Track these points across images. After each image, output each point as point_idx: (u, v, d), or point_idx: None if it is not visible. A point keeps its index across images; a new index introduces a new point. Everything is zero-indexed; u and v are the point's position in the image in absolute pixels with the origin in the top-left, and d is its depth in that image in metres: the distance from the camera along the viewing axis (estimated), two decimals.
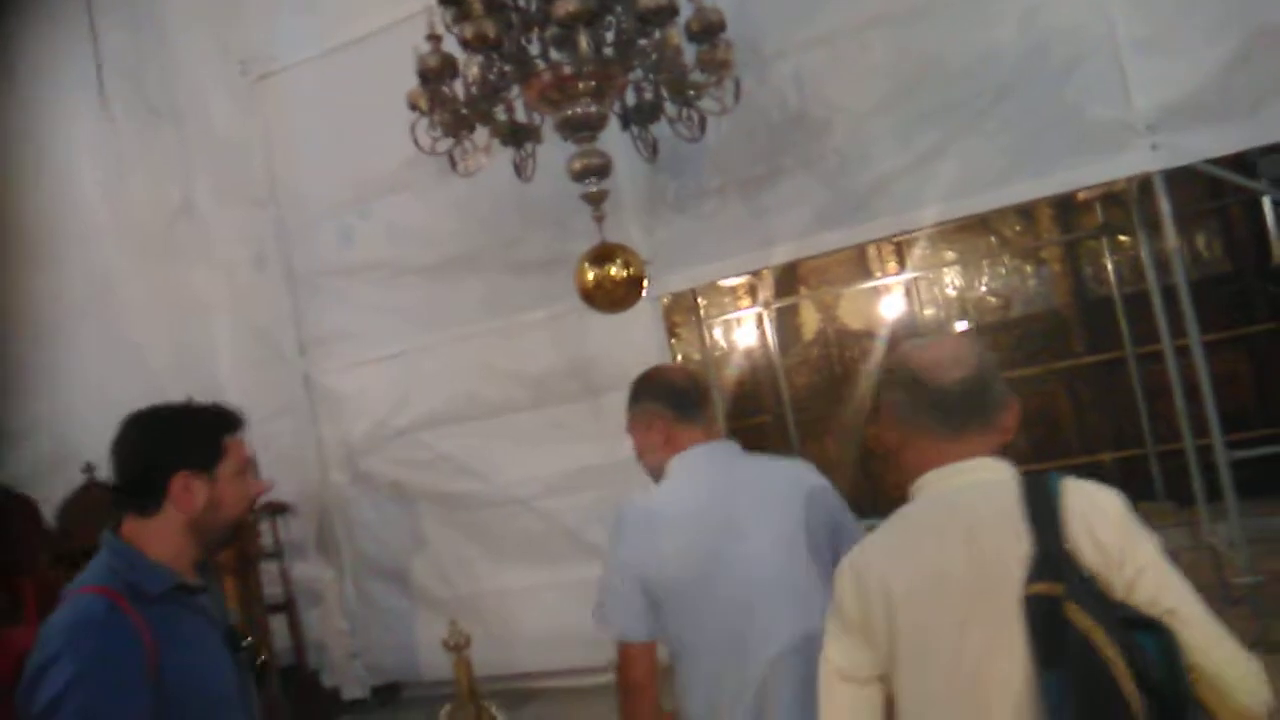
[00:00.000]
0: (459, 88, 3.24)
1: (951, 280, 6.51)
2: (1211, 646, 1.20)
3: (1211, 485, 4.05)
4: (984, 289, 6.41)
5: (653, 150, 3.81)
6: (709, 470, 2.01)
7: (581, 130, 3.30)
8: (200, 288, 5.65)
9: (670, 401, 2.02)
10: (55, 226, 4.83)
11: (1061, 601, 1.17)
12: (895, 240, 6.38)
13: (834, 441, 6.77)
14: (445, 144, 3.46)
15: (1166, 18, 3.50)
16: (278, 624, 5.47)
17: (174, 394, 4.85)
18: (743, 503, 1.97)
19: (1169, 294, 4.00)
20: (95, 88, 5.36)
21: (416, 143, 3.31)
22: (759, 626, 1.86)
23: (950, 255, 6.48)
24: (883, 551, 1.35)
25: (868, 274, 6.69)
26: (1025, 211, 6.19)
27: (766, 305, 6.85)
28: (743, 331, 7.09)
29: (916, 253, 6.52)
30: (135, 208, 5.31)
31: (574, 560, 4.68)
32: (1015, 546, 1.24)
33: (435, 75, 3.15)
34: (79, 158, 4.88)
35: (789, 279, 7.01)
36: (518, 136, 3.64)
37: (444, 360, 4.97)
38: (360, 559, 5.35)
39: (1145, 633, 1.17)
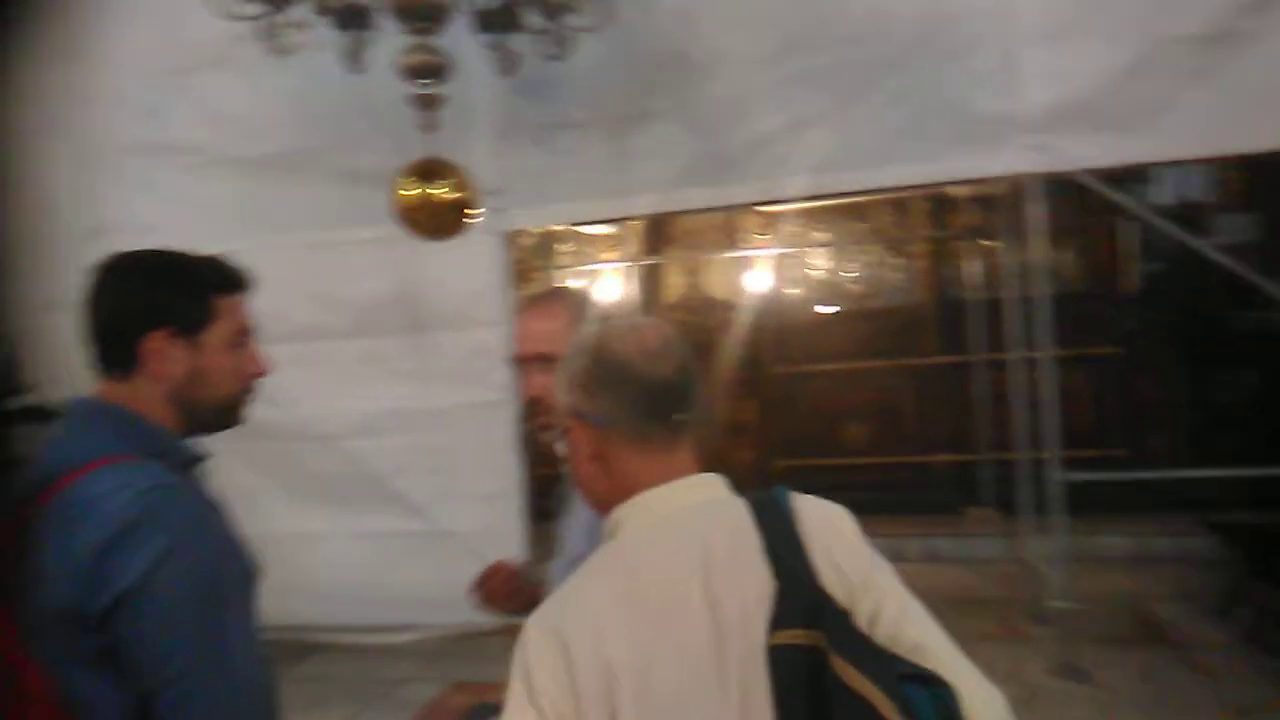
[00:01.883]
0: None
1: (819, 262, 6.35)
2: (970, 690, 0.96)
3: (1039, 500, 4.01)
4: (849, 275, 6.27)
5: (510, 65, 3.35)
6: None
7: (418, 20, 2.82)
8: None
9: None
10: None
11: (823, 654, 0.91)
12: (768, 212, 6.14)
13: None
14: (258, 11, 2.90)
15: (1070, 13, 3.31)
16: None
17: None
18: None
19: (1026, 304, 3.89)
20: None
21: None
22: None
23: (821, 236, 6.30)
24: (596, 607, 0.99)
25: (737, 243, 6.43)
26: (900, 203, 6.08)
27: (631, 261, 6.50)
28: (603, 285, 6.72)
29: (788, 228, 6.31)
30: None
31: (376, 509, 4.25)
32: (757, 586, 0.97)
33: None
34: None
35: (657, 235, 6.69)
36: (348, 19, 3.11)
37: (252, 270, 4.36)
38: None
39: (913, 685, 0.93)
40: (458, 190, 2.87)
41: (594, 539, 1.11)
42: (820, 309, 6.31)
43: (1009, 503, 4.75)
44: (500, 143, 4.01)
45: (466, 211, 2.94)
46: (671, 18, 3.74)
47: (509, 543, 4.01)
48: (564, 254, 6.86)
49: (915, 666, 0.96)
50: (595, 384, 1.06)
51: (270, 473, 4.44)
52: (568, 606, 1.01)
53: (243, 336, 1.31)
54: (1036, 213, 3.47)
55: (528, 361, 1.53)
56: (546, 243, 6.81)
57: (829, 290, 6.32)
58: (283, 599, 4.42)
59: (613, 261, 6.66)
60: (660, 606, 0.97)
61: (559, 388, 1.11)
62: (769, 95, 3.66)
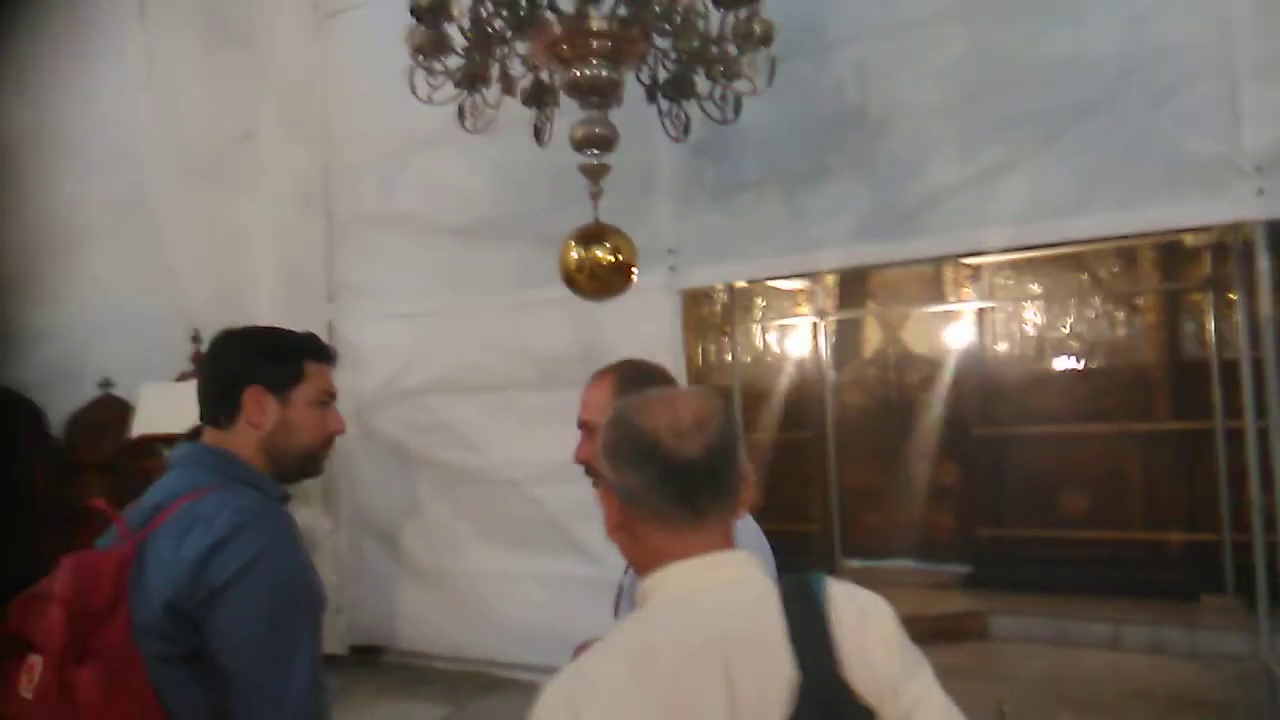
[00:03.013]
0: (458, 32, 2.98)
1: (1032, 316, 5.90)
2: None
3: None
4: (1067, 331, 5.77)
5: (684, 130, 3.47)
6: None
7: (591, 95, 2.99)
8: (246, 220, 5.61)
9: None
10: (91, 135, 4.82)
11: None
12: (974, 265, 5.83)
13: (879, 470, 6.29)
14: (452, 95, 3.22)
15: None
16: None
17: (205, 323, 4.78)
18: None
19: (1257, 364, 3.42)
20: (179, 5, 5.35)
21: (414, 91, 3.06)
22: None
23: (1034, 289, 5.87)
24: (610, 681, 0.98)
25: (941, 296, 6.14)
26: (1125, 252, 5.55)
27: (822, 315, 6.39)
28: (797, 339, 6.65)
29: (996, 281, 5.94)
30: (187, 129, 5.27)
31: (557, 554, 4.44)
32: (778, 675, 0.93)
33: (429, 14, 2.89)
34: (125, 69, 4.85)
35: (857, 290, 6.53)
36: (537, 97, 3.39)
37: (459, 326, 4.78)
38: (357, 515, 5.25)
39: None
40: (616, 253, 2.99)
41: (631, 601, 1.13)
42: (1033, 367, 5.86)
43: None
44: (679, 204, 4.15)
45: (629, 272, 3.05)
46: (849, 73, 3.72)
47: None
48: (759, 309, 6.88)
49: None
50: (620, 458, 1.05)
51: (469, 513, 4.78)
52: (583, 676, 1.00)
53: (326, 398, 1.54)
54: (1263, 263, 3.06)
55: (581, 427, 1.66)
56: (742, 299, 6.86)
57: (1042, 347, 5.85)
58: (475, 633, 4.74)
59: (805, 316, 6.58)
60: (675, 687, 0.95)
61: (597, 455, 1.13)
62: (951, 146, 3.52)
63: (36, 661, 1.17)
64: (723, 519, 1.05)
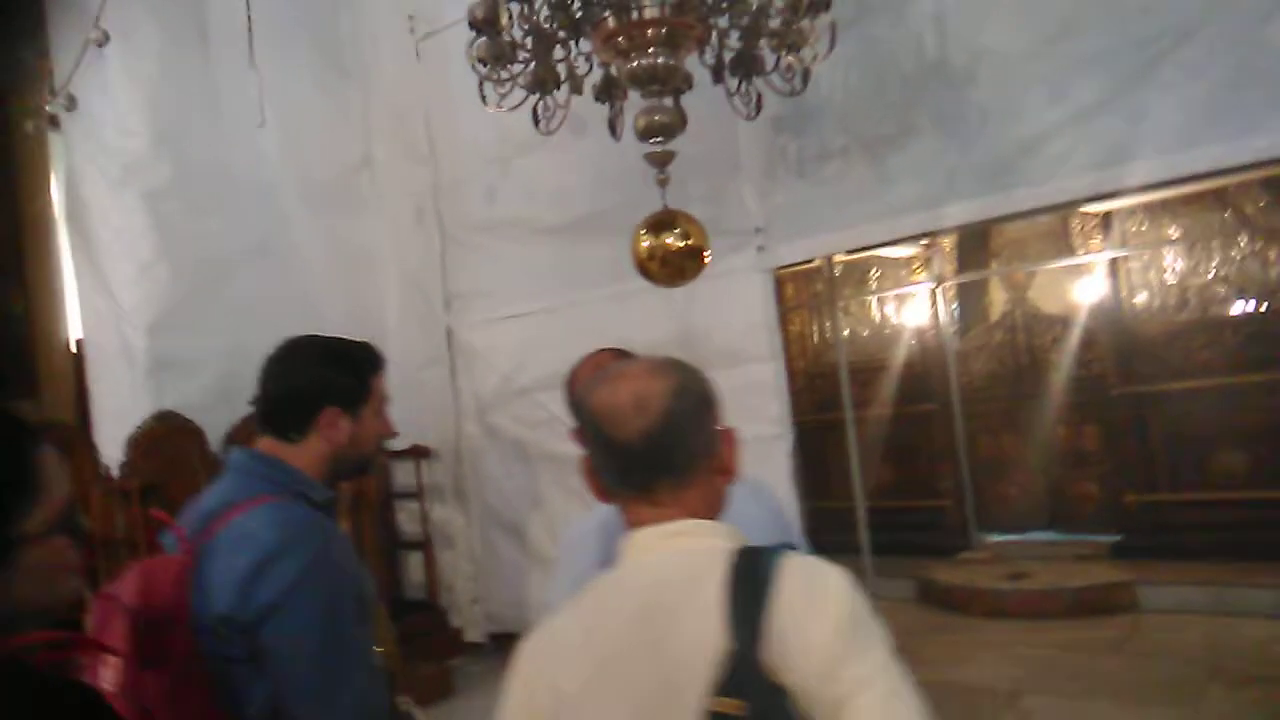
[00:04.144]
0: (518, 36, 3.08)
1: (1171, 263, 5.45)
2: None
3: None
4: (1212, 275, 5.30)
5: (756, 107, 3.44)
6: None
7: (651, 84, 3.03)
8: (370, 240, 5.98)
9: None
10: (234, 175, 5.25)
11: None
12: (1102, 212, 5.46)
13: (1012, 439, 6.00)
14: (522, 99, 3.33)
15: None
16: (415, 560, 5.82)
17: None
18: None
19: None
20: (294, 48, 5.76)
21: (484, 100, 3.19)
22: None
23: (1171, 232, 5.41)
24: (563, 640, 1.05)
25: (1069, 250, 5.78)
26: (1274, 184, 5.04)
27: (939, 281, 6.14)
28: (916, 308, 6.42)
29: (1128, 228, 5.53)
30: (310, 161, 5.66)
31: None
32: (709, 644, 0.93)
33: (485, 25, 3.00)
34: (244, 113, 5.27)
35: (978, 251, 6.25)
36: (607, 91, 3.45)
37: (564, 322, 4.92)
38: (486, 509, 5.50)
39: None
40: (687, 238, 3.00)
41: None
42: (1176, 318, 5.41)
43: None
44: (764, 181, 4.11)
45: (701, 256, 3.06)
46: (927, 25, 3.58)
47: None
48: (873, 280, 6.69)
49: None
50: (580, 434, 1.11)
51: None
52: (546, 629, 1.08)
53: (385, 405, 1.62)
54: None
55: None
56: (857, 271, 6.70)
57: (1185, 295, 5.40)
58: None
59: (925, 282, 6.35)
60: (609, 648, 1.00)
61: None
62: (1040, 90, 3.33)
63: (115, 661, 1.25)
64: (677, 493, 1.06)
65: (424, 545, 5.68)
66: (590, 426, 1.08)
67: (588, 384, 1.13)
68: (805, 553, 1.69)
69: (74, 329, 5.47)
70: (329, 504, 1.56)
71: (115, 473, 4.65)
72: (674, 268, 3.02)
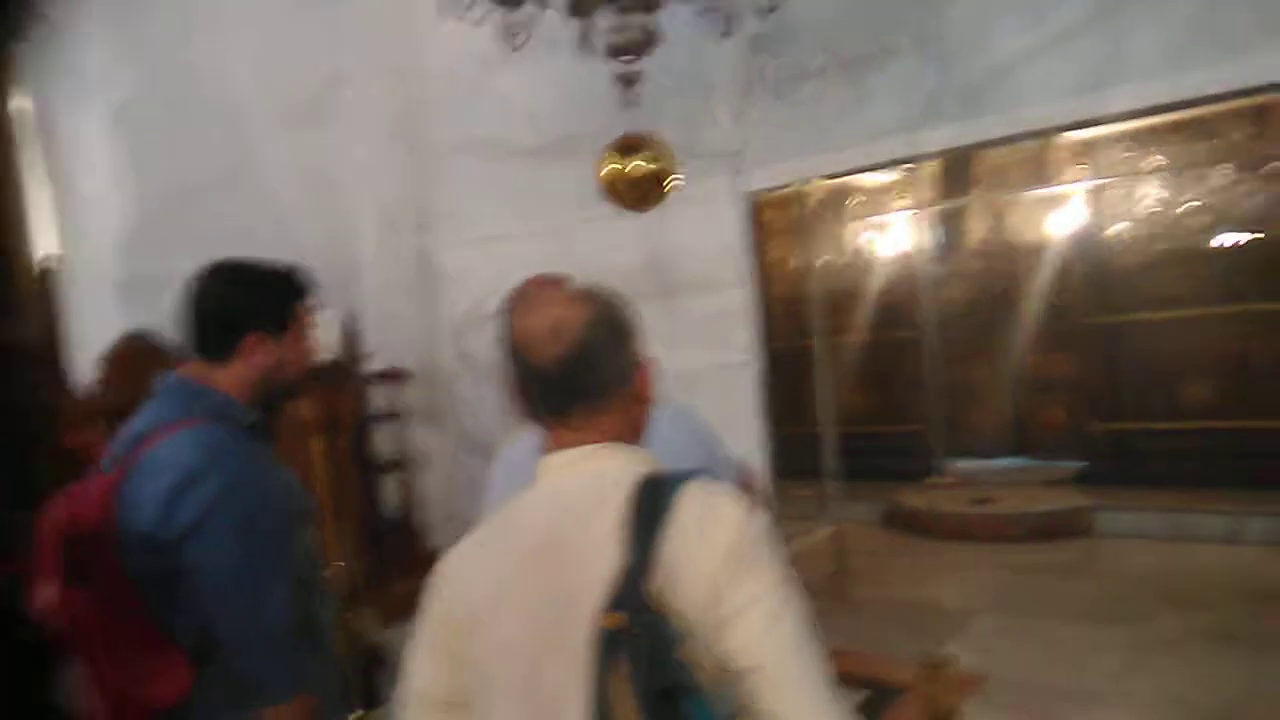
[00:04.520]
0: None
1: (1152, 191, 5.42)
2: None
3: None
4: (1191, 205, 5.28)
5: (726, 25, 3.35)
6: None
7: (619, 0, 2.94)
8: (342, 161, 5.85)
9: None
10: (204, 92, 5.10)
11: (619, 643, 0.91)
12: (1083, 140, 5.40)
13: (984, 367, 6.05)
14: (485, 13, 3.23)
15: None
16: (392, 482, 5.89)
17: (317, 262, 5.09)
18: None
19: None
20: None
21: (442, 13, 3.09)
22: None
23: (1156, 161, 5.37)
24: (472, 552, 1.09)
25: (1051, 178, 5.73)
26: (1259, 112, 4.99)
27: (919, 207, 6.10)
28: (896, 235, 6.39)
29: (1110, 156, 5.48)
30: (281, 79, 5.50)
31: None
32: (605, 563, 0.96)
33: None
34: (226, 30, 5.10)
35: (960, 178, 6.19)
36: (574, 8, 3.34)
37: (537, 246, 4.87)
38: (461, 432, 5.54)
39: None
40: (654, 162, 2.96)
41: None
42: (1151, 248, 5.42)
43: None
44: (740, 103, 4.03)
45: (666, 181, 3.02)
46: None
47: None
48: (854, 206, 6.64)
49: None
50: (503, 356, 1.11)
51: None
52: (459, 550, 1.12)
53: (309, 331, 1.64)
54: None
55: None
56: (837, 196, 6.64)
57: (1163, 225, 5.39)
58: None
59: (905, 209, 6.30)
60: (509, 568, 1.03)
61: None
62: (1019, 9, 3.26)
63: (42, 583, 1.31)
64: (592, 418, 1.07)
65: (400, 466, 5.73)
66: (512, 352, 1.09)
67: (513, 309, 1.13)
68: (731, 478, 1.72)
69: (43, 249, 5.39)
70: (256, 426, 1.58)
71: (87, 393, 4.64)
72: (640, 192, 2.99)
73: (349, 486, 5.17)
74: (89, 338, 4.99)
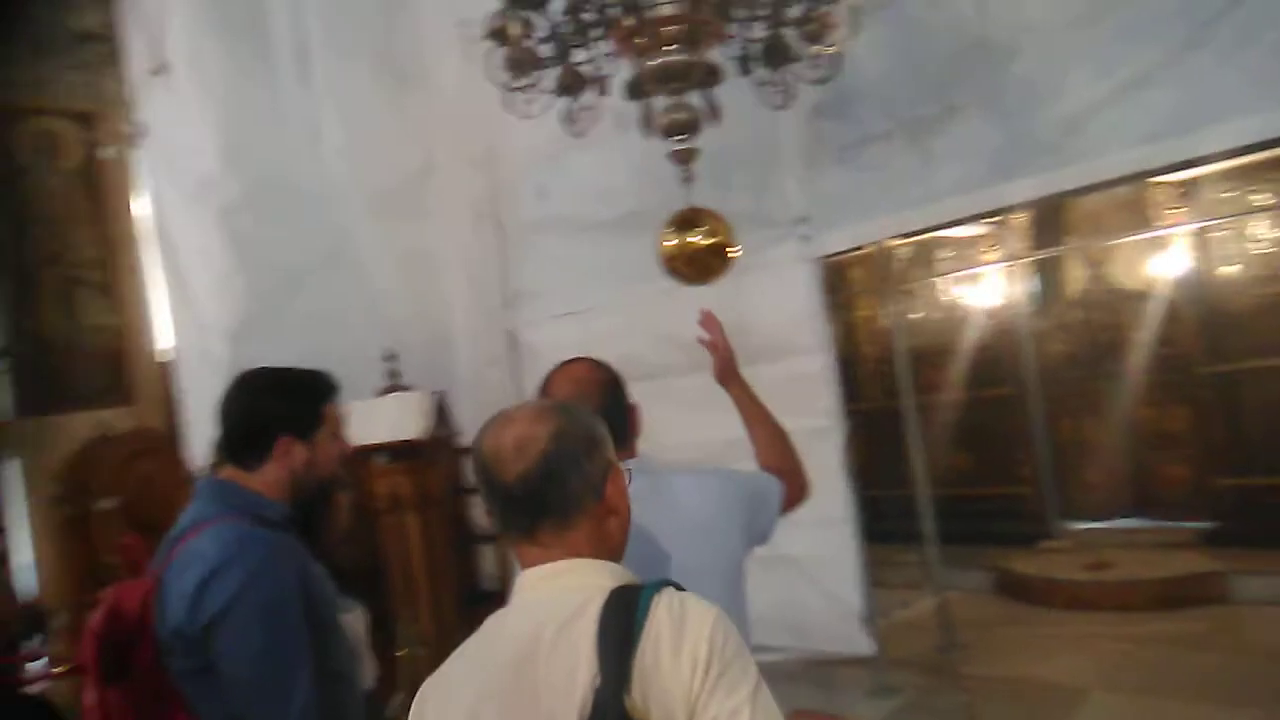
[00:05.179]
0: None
1: (1261, 231, 5.08)
2: None
3: None
4: None
5: (789, 97, 3.37)
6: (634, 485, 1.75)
7: (670, 82, 3.01)
8: (432, 244, 6.13)
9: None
10: (301, 187, 5.45)
11: None
12: (1183, 181, 5.14)
13: (1094, 422, 5.73)
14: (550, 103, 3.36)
15: None
16: (489, 553, 5.98)
17: (411, 341, 5.30)
18: (669, 527, 1.71)
19: None
20: (354, 61, 5.93)
21: (508, 109, 3.22)
22: None
23: (1261, 199, 5.04)
24: (452, 679, 1.09)
25: (1148, 222, 5.46)
26: None
27: (1011, 259, 5.90)
28: (988, 288, 6.19)
29: (1215, 195, 5.18)
30: (376, 170, 5.83)
31: None
32: (580, 683, 0.96)
33: (495, 37, 3.04)
34: (304, 127, 5.46)
35: (1052, 227, 5.97)
36: (633, 91, 3.44)
37: (614, 319, 4.94)
38: None
39: None
40: (713, 235, 2.98)
41: None
42: (1268, 290, 5.05)
43: None
44: (806, 170, 4.03)
45: (727, 252, 3.03)
46: (963, 3, 3.44)
47: (844, 568, 3.97)
48: (943, 260, 6.48)
49: None
50: (475, 474, 1.14)
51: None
52: (442, 670, 1.12)
53: (340, 430, 1.72)
54: None
55: None
56: (925, 252, 6.50)
57: (1275, 265, 5.03)
58: None
59: (997, 261, 6.11)
60: (488, 687, 1.03)
61: None
62: (1086, 62, 3.16)
63: (86, 683, 1.39)
64: (560, 534, 1.08)
65: (495, 538, 5.81)
66: (479, 469, 1.11)
67: (483, 427, 1.15)
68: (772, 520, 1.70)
69: (162, 340, 5.81)
70: (285, 522, 1.64)
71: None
72: (700, 266, 3.00)
73: (444, 560, 5.28)
74: (204, 424, 5.33)
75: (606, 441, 1.13)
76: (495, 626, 1.10)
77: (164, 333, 5.77)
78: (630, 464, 1.68)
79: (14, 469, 5.87)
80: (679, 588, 1.05)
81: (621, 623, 0.98)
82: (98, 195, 5.80)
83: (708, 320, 2.29)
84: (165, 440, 5.30)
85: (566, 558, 1.08)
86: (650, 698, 0.94)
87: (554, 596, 1.06)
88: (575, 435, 1.10)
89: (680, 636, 0.97)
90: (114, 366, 5.78)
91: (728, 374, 2.14)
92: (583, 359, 1.92)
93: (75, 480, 5.40)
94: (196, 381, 5.36)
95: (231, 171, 5.18)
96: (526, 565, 1.11)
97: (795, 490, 1.98)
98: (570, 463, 1.08)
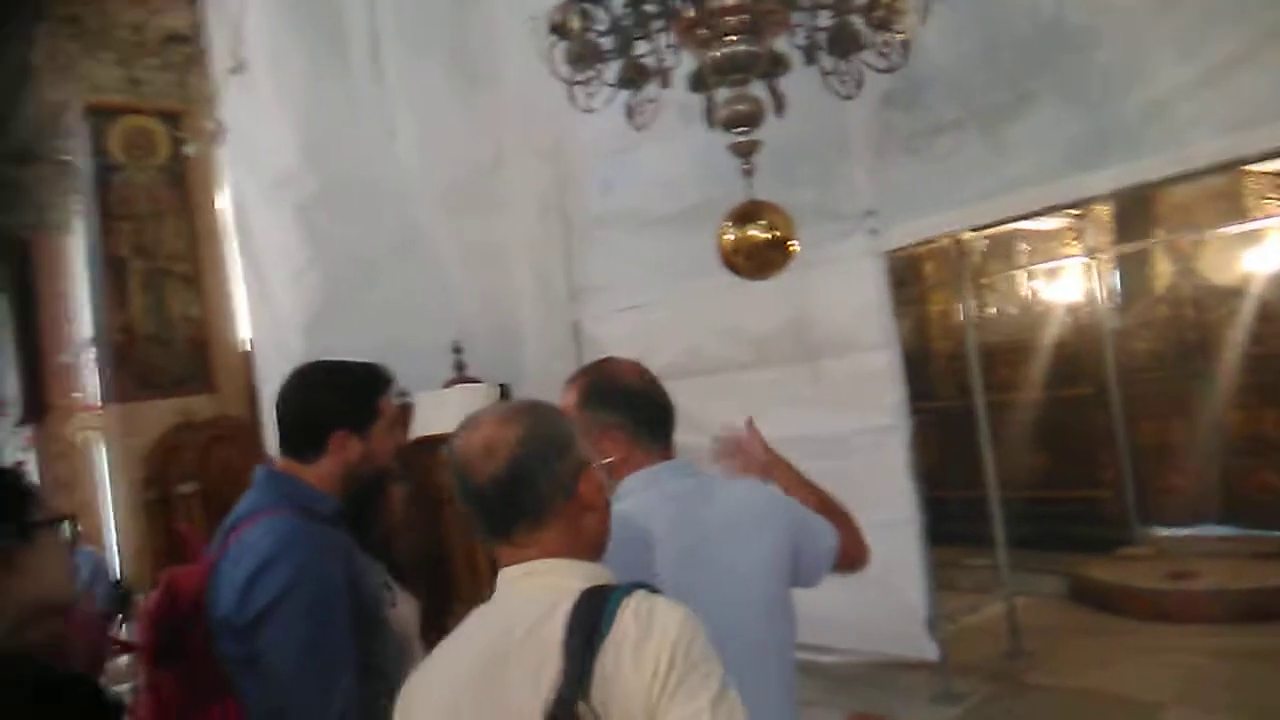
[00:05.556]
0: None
1: None
2: None
3: None
4: None
5: (856, 85, 3.30)
6: (675, 486, 1.72)
7: (733, 73, 2.97)
8: (501, 237, 6.20)
9: (628, 414, 1.64)
10: (375, 183, 5.58)
11: None
12: (1278, 170, 4.87)
13: (1180, 424, 5.47)
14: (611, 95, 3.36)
15: None
16: None
17: (479, 333, 5.36)
18: (715, 524, 1.69)
19: None
20: (427, 58, 6.04)
21: (572, 102, 3.24)
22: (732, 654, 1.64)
23: None
24: (432, 672, 1.12)
25: (1243, 213, 5.18)
26: None
27: (1094, 253, 5.66)
28: (1070, 283, 5.96)
29: None
30: (447, 164, 5.93)
31: None
32: (544, 683, 0.98)
33: (556, 31, 3.05)
34: (395, 124, 5.58)
35: (1139, 219, 5.72)
36: (694, 84, 3.41)
37: (679, 312, 4.93)
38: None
39: None
40: (772, 229, 2.93)
41: None
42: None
43: None
44: (874, 161, 3.94)
45: (787, 246, 2.98)
46: None
47: (909, 570, 3.87)
48: (1022, 254, 6.27)
49: None
50: (451, 476, 1.15)
51: None
52: (426, 662, 1.15)
53: (394, 421, 1.72)
54: None
55: None
56: (1003, 245, 6.30)
57: None
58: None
59: (1079, 255, 5.88)
60: (459, 686, 1.05)
61: None
62: (1170, 46, 3.01)
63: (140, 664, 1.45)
64: (534, 534, 1.09)
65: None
66: (454, 474, 1.13)
67: (458, 429, 1.16)
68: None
69: (244, 331, 6.03)
70: (335, 516, 1.66)
71: None
72: (759, 260, 2.96)
73: None
74: None
75: (576, 440, 1.13)
76: (475, 624, 1.13)
77: (245, 323, 5.98)
78: (664, 466, 1.67)
79: (102, 453, 6.18)
80: (654, 590, 1.05)
81: (587, 625, 0.99)
82: (183, 191, 6.04)
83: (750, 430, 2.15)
84: (245, 428, 5.50)
85: (541, 557, 1.09)
86: (611, 700, 0.95)
87: (527, 596, 1.08)
88: (543, 436, 1.11)
89: (644, 640, 0.98)
90: (198, 356, 6.02)
91: (768, 469, 2.01)
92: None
93: (158, 465, 5.64)
94: (272, 372, 5.53)
95: (308, 167, 5.32)
96: (504, 564, 1.13)
97: (851, 548, 1.88)
98: (539, 463, 1.09)
